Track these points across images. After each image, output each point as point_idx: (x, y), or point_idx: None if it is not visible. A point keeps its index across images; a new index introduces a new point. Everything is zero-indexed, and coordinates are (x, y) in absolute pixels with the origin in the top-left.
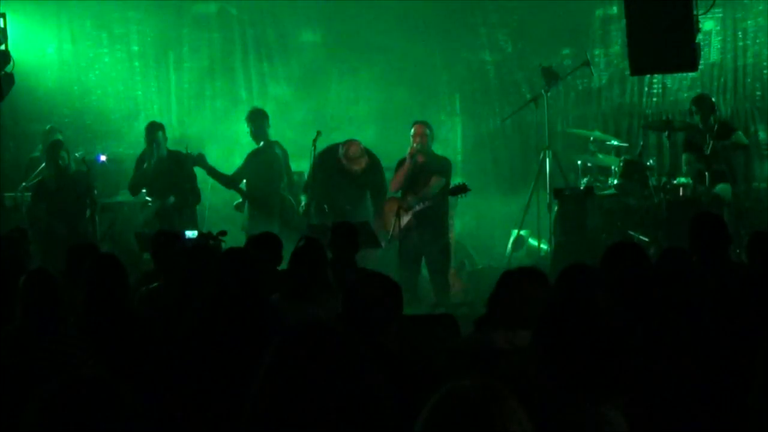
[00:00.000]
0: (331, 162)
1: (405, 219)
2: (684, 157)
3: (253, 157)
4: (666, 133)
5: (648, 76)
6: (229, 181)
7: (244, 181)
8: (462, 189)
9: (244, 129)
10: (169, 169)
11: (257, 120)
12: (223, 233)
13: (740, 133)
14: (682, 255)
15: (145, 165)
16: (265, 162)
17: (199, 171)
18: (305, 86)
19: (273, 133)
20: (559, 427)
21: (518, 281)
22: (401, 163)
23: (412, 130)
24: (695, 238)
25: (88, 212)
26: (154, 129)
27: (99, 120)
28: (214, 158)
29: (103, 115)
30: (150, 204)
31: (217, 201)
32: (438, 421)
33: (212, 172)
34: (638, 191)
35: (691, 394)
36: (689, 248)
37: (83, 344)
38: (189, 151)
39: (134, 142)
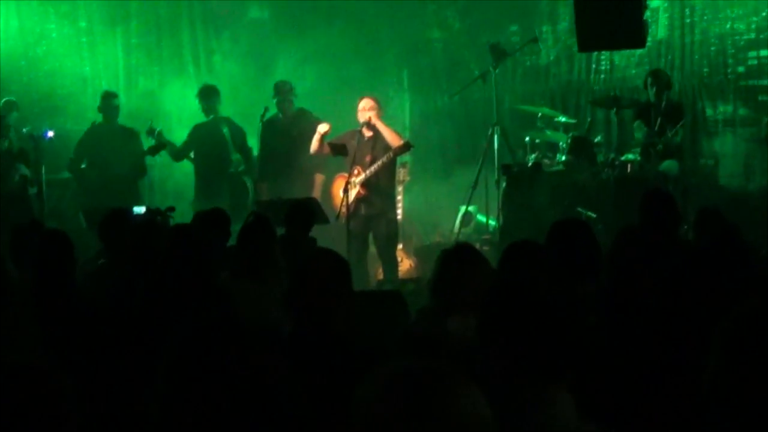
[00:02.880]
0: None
1: (353, 194)
2: (635, 123)
3: (196, 130)
4: (614, 109)
5: (596, 52)
6: (179, 154)
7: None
8: (407, 146)
9: (192, 105)
10: (118, 142)
11: (208, 96)
12: (171, 209)
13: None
14: (636, 235)
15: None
16: (209, 137)
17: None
18: (253, 62)
19: (222, 110)
20: (505, 410)
21: (457, 263)
22: (342, 137)
23: (360, 104)
24: (646, 216)
25: (35, 189)
26: (108, 97)
27: (46, 96)
28: (166, 130)
29: (51, 91)
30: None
31: (163, 175)
32: (379, 400)
33: (170, 148)
34: (586, 168)
35: (644, 373)
36: (639, 225)
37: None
38: (153, 127)
39: (82, 118)
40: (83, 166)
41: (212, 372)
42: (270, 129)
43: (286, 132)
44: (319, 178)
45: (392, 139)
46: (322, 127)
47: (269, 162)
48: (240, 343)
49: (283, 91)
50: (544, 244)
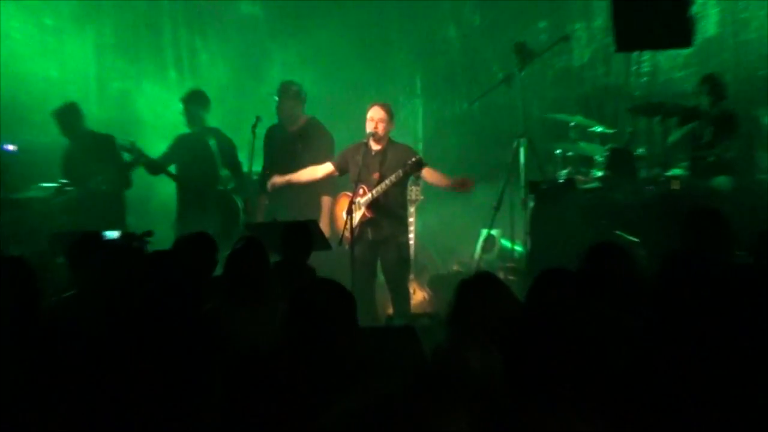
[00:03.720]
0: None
1: (358, 216)
2: (674, 129)
3: (179, 142)
4: (657, 118)
5: (636, 53)
6: (157, 167)
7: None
8: (419, 164)
9: (173, 113)
10: (92, 152)
11: (195, 104)
12: (149, 233)
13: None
14: (686, 261)
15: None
16: (193, 150)
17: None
18: (243, 64)
19: (209, 119)
20: None
21: (478, 294)
22: (345, 153)
23: (369, 113)
24: (693, 238)
25: None
26: (67, 111)
27: (7, 104)
28: (145, 142)
29: (13, 98)
30: (68, 189)
31: (141, 194)
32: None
33: (147, 162)
34: (626, 184)
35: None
36: (683, 248)
37: None
38: (126, 142)
39: (48, 129)
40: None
41: None
42: (272, 138)
43: (290, 144)
44: (326, 201)
45: (400, 158)
46: (327, 168)
47: (269, 177)
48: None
49: (290, 93)
50: (578, 272)
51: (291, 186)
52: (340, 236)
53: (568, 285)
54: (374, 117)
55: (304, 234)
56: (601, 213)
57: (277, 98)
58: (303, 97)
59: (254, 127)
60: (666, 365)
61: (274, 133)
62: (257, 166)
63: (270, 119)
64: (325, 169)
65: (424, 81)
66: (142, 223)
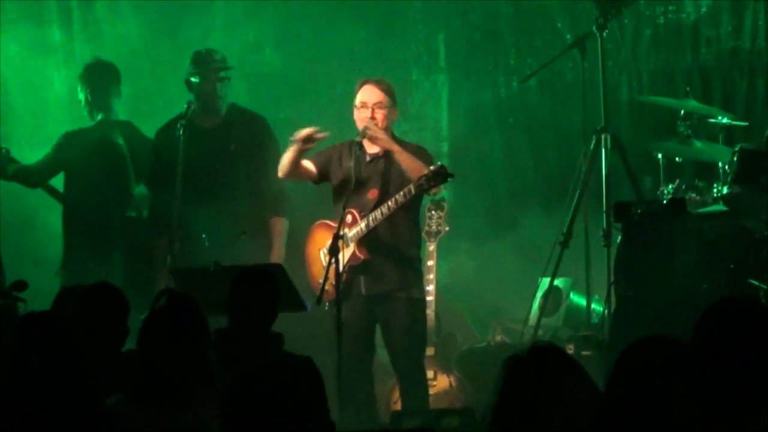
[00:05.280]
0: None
1: (345, 257)
2: None
3: (67, 142)
4: None
5: None
6: (33, 175)
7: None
8: (440, 175)
9: (61, 98)
10: None
11: (98, 81)
12: (21, 286)
13: None
14: None
15: None
16: (91, 156)
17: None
18: (168, 20)
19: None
20: None
21: (534, 379)
22: (331, 151)
23: (358, 96)
24: None
25: None
26: None
27: None
28: (13, 142)
29: None
30: None
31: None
32: None
33: (16, 169)
34: (765, 207)
35: None
36: None
37: None
38: None
39: None
40: None
41: None
42: (170, 144)
43: (214, 142)
44: (277, 225)
45: (411, 166)
46: (310, 134)
47: (188, 191)
48: None
49: (209, 67)
50: (691, 344)
51: (218, 206)
52: (319, 290)
53: (672, 365)
54: (368, 101)
55: (266, 286)
56: (728, 252)
57: (197, 78)
58: (225, 71)
59: (184, 117)
60: None
61: (190, 129)
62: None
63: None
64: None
65: (450, 47)
66: (9, 268)
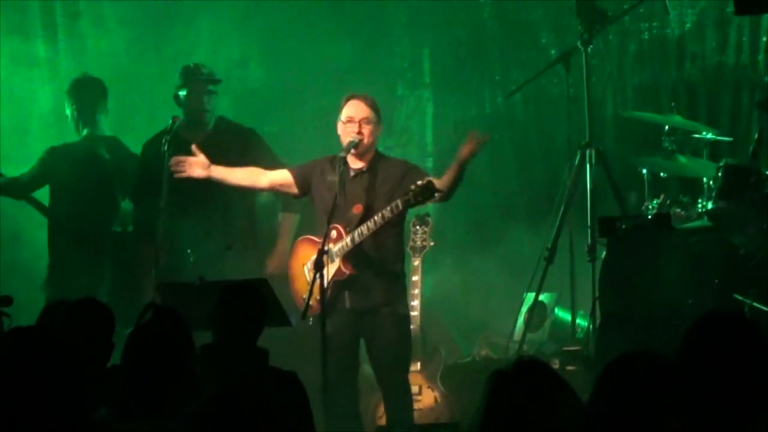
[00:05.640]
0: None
1: (330, 272)
2: None
3: (52, 158)
4: None
5: (765, 17)
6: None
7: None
8: (428, 190)
9: (45, 113)
10: None
11: (84, 97)
12: (6, 301)
13: None
14: None
15: None
16: (77, 170)
17: None
18: (150, 34)
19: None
20: None
21: (519, 393)
22: (312, 165)
23: (344, 111)
24: None
25: None
26: None
27: None
28: None
29: None
30: None
31: None
32: None
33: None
34: (750, 223)
35: None
36: None
37: None
38: None
39: None
40: None
41: None
42: (155, 157)
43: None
44: (287, 220)
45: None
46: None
47: (174, 206)
48: None
49: (197, 80)
50: (675, 362)
51: (215, 217)
52: (304, 305)
53: (656, 381)
54: (354, 116)
55: (252, 301)
56: (713, 267)
57: (184, 91)
58: (214, 86)
59: (169, 132)
60: None
61: (160, 151)
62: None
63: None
64: (277, 176)
65: (436, 62)
66: None
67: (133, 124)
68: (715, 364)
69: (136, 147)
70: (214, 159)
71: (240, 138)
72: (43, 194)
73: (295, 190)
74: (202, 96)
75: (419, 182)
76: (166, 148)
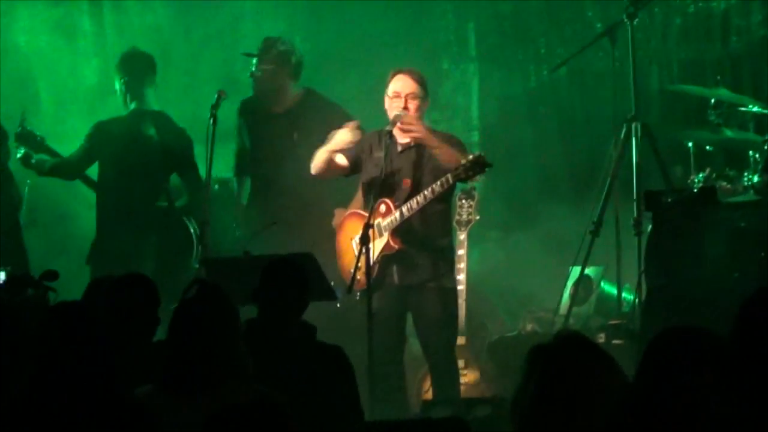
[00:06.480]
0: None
1: (378, 247)
2: None
3: (100, 133)
4: None
5: None
6: (73, 168)
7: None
8: (479, 164)
9: (90, 88)
10: None
11: (134, 70)
12: (51, 276)
13: None
14: None
15: None
16: (124, 145)
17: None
18: (194, 9)
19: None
20: None
21: (561, 368)
22: (361, 142)
23: (391, 86)
24: None
25: None
26: None
27: None
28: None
29: None
30: None
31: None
32: None
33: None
34: None
35: None
36: None
37: None
38: (26, 127)
39: None
40: None
41: None
42: (251, 120)
43: (278, 133)
44: (339, 216)
45: (447, 157)
46: (349, 132)
47: (254, 179)
48: None
49: (273, 55)
50: (730, 336)
51: (281, 195)
52: (350, 279)
53: (702, 356)
54: (401, 91)
55: (295, 276)
56: (758, 241)
57: (254, 63)
58: (294, 62)
59: (215, 107)
60: None
61: (255, 114)
62: (221, 170)
63: (241, 94)
64: (348, 133)
65: (481, 36)
66: (42, 258)
67: (174, 97)
68: (760, 338)
69: (181, 121)
70: (296, 127)
71: (317, 105)
72: (92, 170)
73: (347, 171)
74: (265, 71)
75: (470, 156)
76: (211, 122)
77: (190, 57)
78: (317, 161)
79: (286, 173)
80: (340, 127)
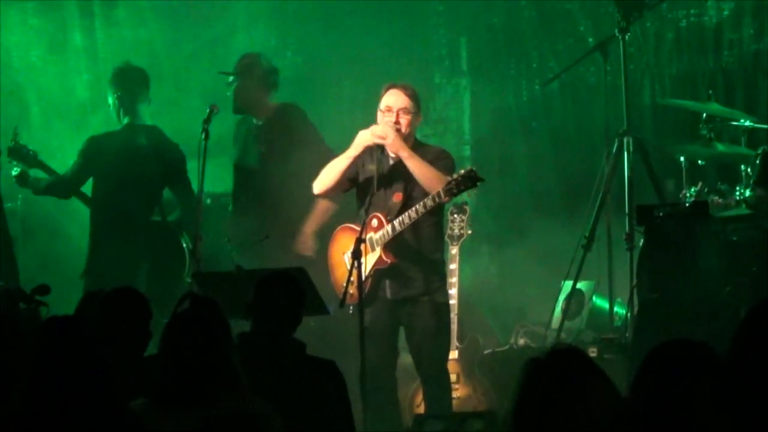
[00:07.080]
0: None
1: (370, 261)
2: None
3: (93, 147)
4: None
5: None
6: (69, 185)
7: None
8: (470, 179)
9: (82, 103)
10: None
11: (126, 85)
12: (43, 290)
13: None
14: None
15: None
16: (117, 159)
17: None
18: (186, 21)
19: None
20: None
21: (554, 382)
22: (356, 160)
23: (383, 100)
24: None
25: None
26: None
27: None
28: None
29: None
30: None
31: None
32: None
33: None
34: None
35: None
36: None
37: None
38: (18, 142)
39: None
40: None
41: None
42: (240, 130)
43: (251, 146)
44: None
45: (424, 176)
46: (382, 132)
47: (243, 192)
48: None
49: (248, 69)
50: (730, 348)
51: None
52: (342, 294)
53: (697, 369)
54: (393, 105)
55: (290, 290)
56: (751, 254)
57: (233, 80)
58: (260, 73)
59: (207, 122)
60: None
61: (245, 124)
62: (213, 185)
63: (226, 107)
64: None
65: (473, 50)
66: (33, 273)
67: (165, 111)
68: (754, 353)
69: (172, 136)
70: (261, 146)
71: (292, 118)
72: (86, 184)
73: (347, 186)
74: (243, 86)
75: (462, 171)
76: (203, 137)
77: (182, 71)
78: (325, 179)
79: (256, 186)
80: (309, 149)
